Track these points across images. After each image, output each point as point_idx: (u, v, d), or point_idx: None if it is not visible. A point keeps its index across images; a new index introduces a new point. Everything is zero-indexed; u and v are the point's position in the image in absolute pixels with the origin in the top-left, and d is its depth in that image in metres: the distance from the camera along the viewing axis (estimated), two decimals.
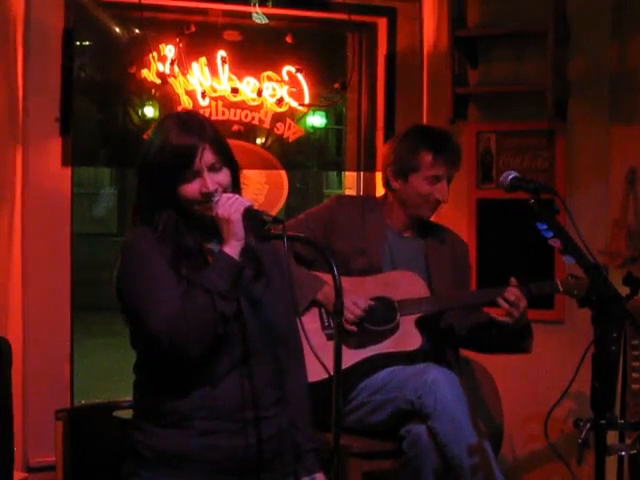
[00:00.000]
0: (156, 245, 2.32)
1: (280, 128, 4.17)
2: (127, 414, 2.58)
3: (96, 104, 4.25)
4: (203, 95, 3.98)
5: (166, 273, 2.29)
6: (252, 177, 4.14)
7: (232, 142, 2.50)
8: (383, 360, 3.23)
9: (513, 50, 4.12)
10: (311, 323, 3.22)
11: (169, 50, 3.92)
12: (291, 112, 4.18)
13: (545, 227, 2.38)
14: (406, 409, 3.08)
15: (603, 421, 2.25)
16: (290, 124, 4.19)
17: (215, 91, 4.02)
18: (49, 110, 3.74)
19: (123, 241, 2.38)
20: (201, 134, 2.33)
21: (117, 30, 3.97)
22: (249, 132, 4.14)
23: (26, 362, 3.67)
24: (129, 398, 2.52)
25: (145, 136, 3.74)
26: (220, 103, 4.05)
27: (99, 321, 7.89)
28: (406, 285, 3.31)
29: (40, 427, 3.58)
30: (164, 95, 3.99)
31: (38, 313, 3.73)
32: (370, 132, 4.40)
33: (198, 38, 3.99)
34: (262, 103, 4.10)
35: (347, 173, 4.64)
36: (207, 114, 3.96)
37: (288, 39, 4.16)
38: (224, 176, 2.36)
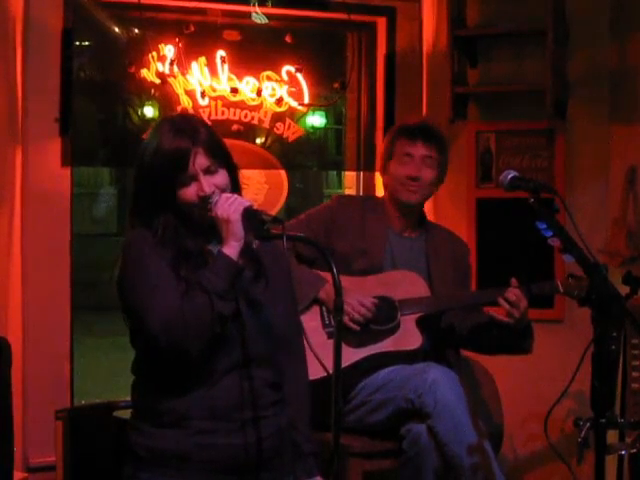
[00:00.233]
0: (156, 247, 2.33)
1: (280, 128, 4.17)
2: (127, 414, 2.58)
3: (95, 104, 4.25)
4: (202, 95, 3.98)
5: (165, 273, 2.30)
6: (252, 177, 4.14)
7: (232, 142, 2.51)
8: (383, 359, 3.23)
9: (512, 50, 4.12)
10: (312, 321, 3.23)
11: (168, 50, 3.92)
12: (291, 112, 4.18)
13: (545, 226, 2.38)
14: (406, 408, 3.08)
15: (603, 420, 2.25)
16: (290, 124, 4.19)
17: (214, 91, 4.02)
18: (48, 110, 3.74)
19: (124, 241, 2.39)
20: (194, 138, 2.34)
21: (116, 30, 3.97)
22: (249, 132, 4.14)
23: (26, 362, 3.67)
24: (129, 398, 2.52)
25: (144, 136, 3.74)
26: (219, 103, 4.04)
27: (99, 321, 7.91)
28: (407, 285, 3.32)
29: (40, 427, 3.58)
30: (163, 95, 3.99)
31: (38, 313, 3.73)
32: (370, 132, 4.39)
33: (197, 38, 3.99)
34: (261, 103, 4.10)
35: (347, 173, 4.64)
36: (206, 114, 3.96)
37: (287, 39, 4.16)
38: (221, 178, 2.36)
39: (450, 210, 3.99)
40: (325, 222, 3.41)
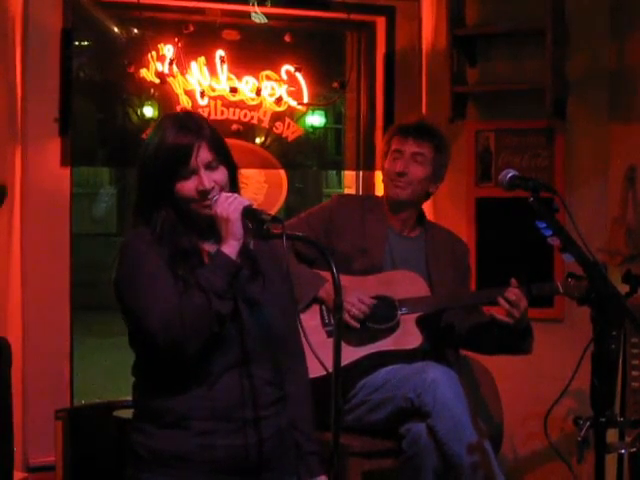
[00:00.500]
0: (153, 246, 2.33)
1: (279, 127, 4.18)
2: (127, 414, 2.58)
3: (95, 104, 4.26)
4: (202, 95, 3.98)
5: (162, 272, 2.29)
6: (251, 176, 4.14)
7: (231, 141, 2.51)
8: (383, 358, 3.23)
9: (512, 49, 4.12)
10: (311, 320, 3.23)
11: (168, 50, 3.92)
12: (290, 111, 4.18)
13: (544, 225, 2.38)
14: (406, 408, 3.08)
15: (603, 419, 2.25)
16: (289, 123, 4.19)
17: (214, 90, 4.02)
18: (48, 110, 3.74)
19: (121, 242, 2.39)
20: (198, 132, 2.34)
21: (116, 30, 3.97)
22: (248, 131, 4.15)
23: (26, 362, 3.67)
24: (129, 398, 2.52)
25: (144, 136, 3.74)
26: (219, 102, 4.05)
27: (99, 321, 7.90)
28: (407, 284, 3.32)
29: (40, 427, 3.58)
30: (163, 95, 4.00)
31: (38, 313, 3.73)
32: (369, 131, 4.40)
33: (197, 38, 4.00)
34: (261, 102, 4.11)
35: (346, 172, 4.64)
36: (206, 113, 3.96)
37: (287, 38, 4.17)
38: (221, 174, 2.36)
39: (450, 209, 3.99)
40: (325, 222, 3.42)
